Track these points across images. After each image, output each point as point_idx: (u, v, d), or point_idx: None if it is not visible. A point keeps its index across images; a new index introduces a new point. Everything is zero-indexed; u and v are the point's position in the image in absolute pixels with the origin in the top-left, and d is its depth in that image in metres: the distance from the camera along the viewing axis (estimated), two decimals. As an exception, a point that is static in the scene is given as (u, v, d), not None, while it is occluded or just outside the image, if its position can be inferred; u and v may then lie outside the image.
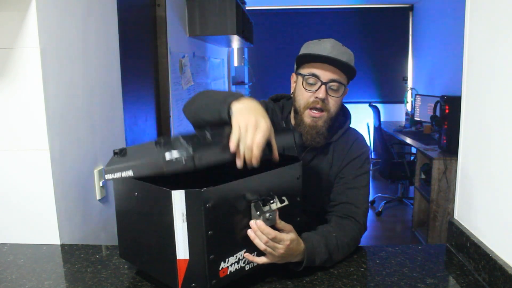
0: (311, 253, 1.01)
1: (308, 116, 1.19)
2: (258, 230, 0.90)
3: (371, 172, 5.28)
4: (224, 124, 0.94)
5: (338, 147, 1.26)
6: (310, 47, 1.20)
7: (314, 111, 1.18)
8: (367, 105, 4.73)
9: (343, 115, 1.32)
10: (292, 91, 1.27)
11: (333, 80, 1.16)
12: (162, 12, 2.49)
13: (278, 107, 1.33)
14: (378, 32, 5.75)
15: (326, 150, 1.26)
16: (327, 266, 1.06)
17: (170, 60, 2.58)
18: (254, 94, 5.56)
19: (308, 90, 1.18)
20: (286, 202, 0.95)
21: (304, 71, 1.20)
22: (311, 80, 1.18)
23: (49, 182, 1.20)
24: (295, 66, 1.26)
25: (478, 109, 1.06)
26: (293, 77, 1.27)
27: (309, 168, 1.25)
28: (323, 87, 1.16)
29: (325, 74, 1.16)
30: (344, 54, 1.18)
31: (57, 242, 1.23)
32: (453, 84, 4.26)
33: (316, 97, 1.17)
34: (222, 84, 4.41)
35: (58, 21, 1.24)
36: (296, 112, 1.23)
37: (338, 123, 1.29)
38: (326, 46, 1.17)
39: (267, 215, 0.91)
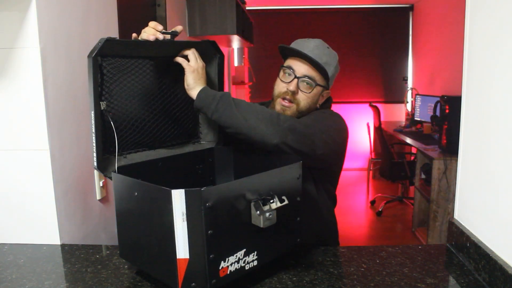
0: (205, 89, 1.11)
1: (279, 104, 1.28)
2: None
3: (370, 172, 5.26)
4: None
5: None
6: (297, 43, 1.30)
7: (284, 101, 1.26)
8: (367, 105, 4.74)
9: (326, 102, 1.38)
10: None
11: (306, 76, 1.25)
12: (162, 12, 2.49)
13: (267, 104, 1.40)
14: (378, 32, 5.75)
15: None
16: (244, 127, 1.08)
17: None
18: (254, 94, 5.56)
19: (283, 81, 1.28)
20: (286, 202, 0.95)
21: (285, 63, 1.30)
22: (287, 72, 1.27)
23: (49, 182, 1.20)
24: None
25: (478, 109, 1.06)
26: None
27: None
28: (295, 80, 1.25)
29: (300, 69, 1.25)
30: (324, 55, 1.25)
31: (57, 242, 1.23)
32: (453, 84, 4.26)
33: (288, 89, 1.25)
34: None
35: (58, 21, 1.24)
36: (273, 100, 1.32)
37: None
38: (309, 45, 1.26)
39: (267, 214, 0.91)
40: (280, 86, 1.28)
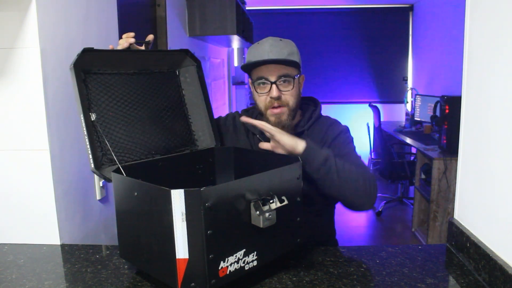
0: (310, 146, 1.11)
1: (271, 115, 1.25)
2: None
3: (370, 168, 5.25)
4: None
5: (312, 135, 1.30)
6: (251, 53, 1.27)
7: (274, 109, 1.24)
8: (367, 105, 4.73)
9: (313, 104, 1.38)
10: (252, 97, 1.34)
11: (280, 76, 1.23)
12: (162, 12, 2.49)
13: (247, 115, 1.38)
14: (378, 32, 5.74)
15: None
16: (332, 181, 1.12)
17: (170, 60, 2.57)
18: (254, 94, 5.55)
19: (262, 93, 1.26)
20: (286, 202, 0.95)
21: (254, 76, 1.27)
22: (261, 83, 1.25)
23: (49, 182, 1.20)
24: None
25: (478, 109, 1.05)
26: (250, 84, 1.33)
27: None
28: (273, 86, 1.23)
29: (271, 74, 1.23)
30: (283, 49, 1.24)
31: (57, 242, 1.23)
32: (453, 84, 4.25)
33: (271, 97, 1.23)
34: (222, 84, 4.42)
35: (58, 21, 1.24)
36: (262, 115, 1.29)
37: (309, 113, 1.35)
38: (264, 48, 1.24)
39: (267, 215, 0.91)
40: (262, 100, 1.26)
